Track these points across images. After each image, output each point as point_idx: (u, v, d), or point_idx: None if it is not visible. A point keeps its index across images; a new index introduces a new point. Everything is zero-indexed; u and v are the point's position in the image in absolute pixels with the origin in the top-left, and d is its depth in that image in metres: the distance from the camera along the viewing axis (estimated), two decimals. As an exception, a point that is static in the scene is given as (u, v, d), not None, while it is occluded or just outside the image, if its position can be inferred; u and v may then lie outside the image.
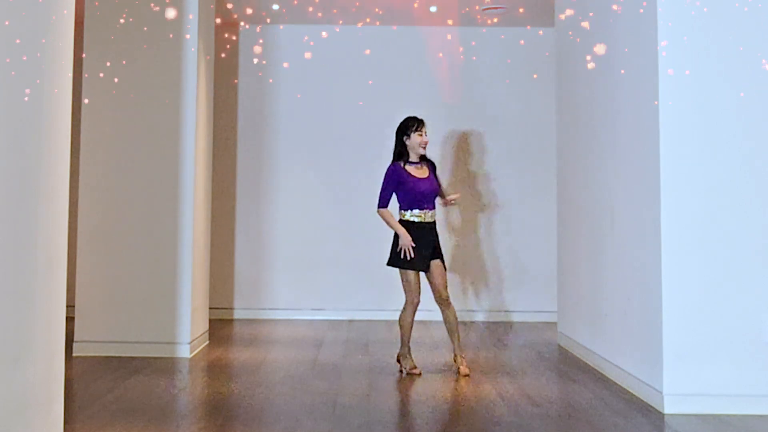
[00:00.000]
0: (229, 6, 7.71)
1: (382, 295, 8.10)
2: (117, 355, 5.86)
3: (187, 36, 6.05)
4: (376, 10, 7.74)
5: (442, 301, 5.42)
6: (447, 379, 5.23)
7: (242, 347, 6.50)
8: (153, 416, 4.18)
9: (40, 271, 3.13)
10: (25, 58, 2.97)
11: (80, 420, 4.04)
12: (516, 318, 8.21)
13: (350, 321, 8.04)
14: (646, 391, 4.61)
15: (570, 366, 5.78)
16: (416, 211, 5.40)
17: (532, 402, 4.59)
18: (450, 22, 8.09)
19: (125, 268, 5.98)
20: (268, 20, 8.26)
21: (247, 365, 5.70)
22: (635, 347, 4.87)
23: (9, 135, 2.85)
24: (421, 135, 5.44)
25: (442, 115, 8.29)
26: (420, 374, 5.35)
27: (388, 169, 5.43)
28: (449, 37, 8.32)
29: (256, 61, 8.41)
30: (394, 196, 5.48)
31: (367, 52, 8.30)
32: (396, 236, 5.40)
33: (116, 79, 6.01)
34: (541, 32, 8.30)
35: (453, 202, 5.75)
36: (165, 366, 5.56)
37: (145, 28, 6.02)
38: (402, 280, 5.39)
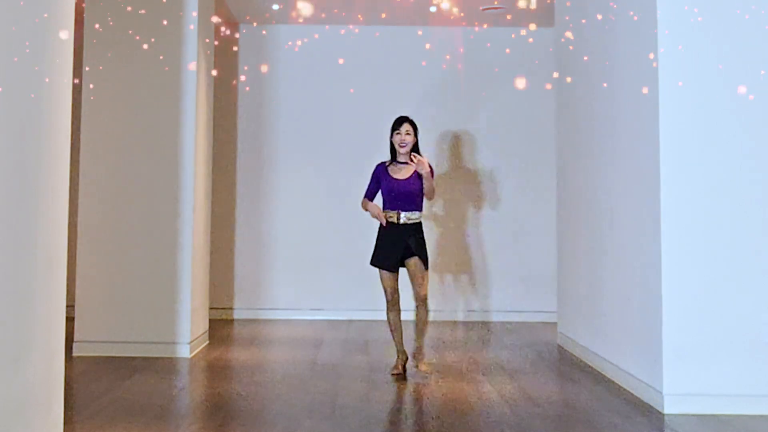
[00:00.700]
0: (230, 6, 7.72)
1: (381, 295, 8.07)
2: (117, 355, 5.86)
3: (187, 36, 6.04)
4: (377, 10, 7.74)
5: (418, 300, 5.36)
6: (447, 379, 5.22)
7: (242, 347, 6.50)
8: (153, 416, 4.18)
9: (40, 271, 3.13)
10: (25, 58, 2.96)
11: (80, 420, 4.04)
12: (516, 318, 8.21)
13: (350, 321, 8.04)
14: (646, 391, 4.61)
15: (570, 366, 5.78)
16: (389, 212, 5.38)
17: (532, 402, 4.59)
18: (450, 22, 8.09)
19: (125, 268, 5.98)
20: (269, 20, 8.26)
21: (247, 365, 5.70)
22: (635, 347, 4.87)
23: (9, 135, 2.84)
24: (399, 134, 5.38)
25: (442, 115, 8.29)
26: (397, 375, 5.29)
27: (375, 167, 5.54)
28: (450, 37, 8.31)
29: (256, 61, 8.41)
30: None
31: (365, 50, 8.30)
32: (377, 236, 5.46)
33: (116, 80, 6.00)
34: (541, 32, 8.29)
35: (416, 165, 5.26)
36: (165, 366, 5.56)
37: (145, 28, 6.02)
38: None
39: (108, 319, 5.94)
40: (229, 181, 8.36)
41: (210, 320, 7.28)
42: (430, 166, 5.37)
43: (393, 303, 5.42)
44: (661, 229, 4.45)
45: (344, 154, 8.37)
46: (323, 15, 7.92)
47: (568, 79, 6.61)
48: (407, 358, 5.45)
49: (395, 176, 5.41)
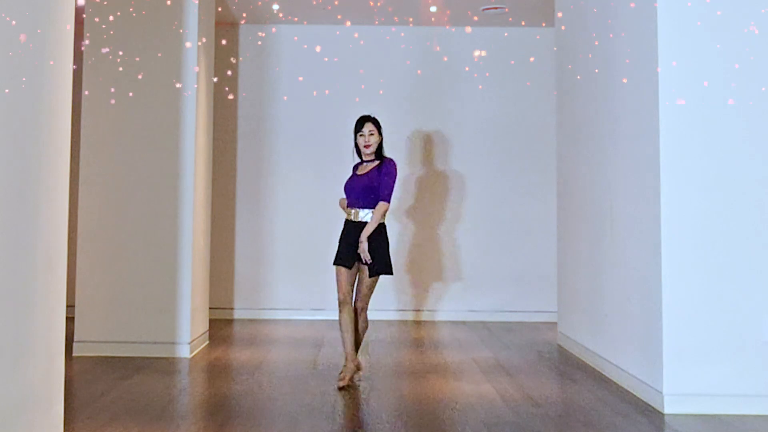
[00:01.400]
0: (230, 6, 7.72)
1: (381, 295, 8.09)
2: (117, 355, 5.86)
3: (188, 35, 6.04)
4: (378, 10, 7.74)
5: (357, 307, 5.10)
6: (447, 380, 5.22)
7: (242, 347, 6.50)
8: (153, 416, 4.18)
9: (39, 272, 3.13)
10: (25, 59, 2.97)
11: (80, 420, 4.04)
12: (516, 318, 8.21)
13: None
14: (646, 391, 4.61)
15: (570, 366, 5.78)
16: (349, 209, 5.16)
17: (532, 402, 4.59)
18: (451, 22, 8.09)
19: (125, 268, 5.98)
20: (269, 20, 8.26)
21: (247, 365, 5.70)
22: (635, 347, 4.87)
23: (9, 135, 2.84)
24: (362, 136, 5.19)
25: (441, 115, 8.29)
26: (342, 387, 4.86)
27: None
28: (450, 37, 8.31)
29: (255, 60, 8.41)
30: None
31: (365, 50, 8.30)
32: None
33: (116, 80, 6.00)
34: (541, 32, 8.29)
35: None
36: (165, 366, 5.56)
37: (145, 28, 6.02)
38: None
39: (108, 319, 5.94)
40: (229, 181, 8.36)
41: (210, 320, 7.28)
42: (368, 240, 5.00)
43: (344, 303, 5.03)
44: (661, 229, 4.45)
45: (344, 154, 8.31)
46: (324, 15, 7.92)
47: (566, 72, 6.62)
48: (358, 369, 5.11)
49: (357, 172, 5.27)
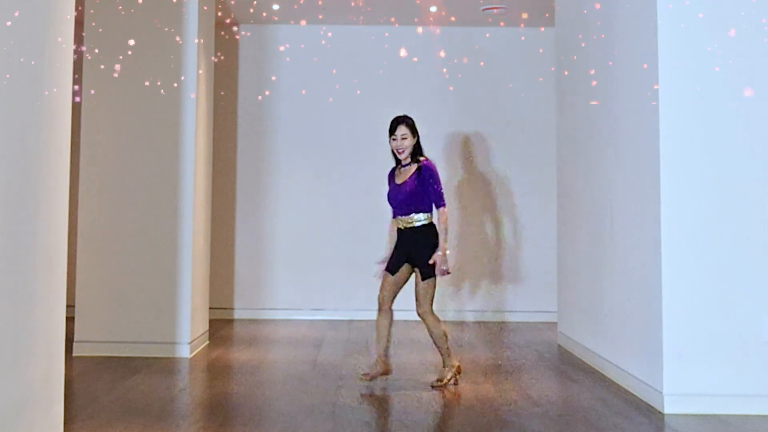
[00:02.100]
0: (230, 5, 7.71)
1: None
2: (117, 355, 5.86)
3: (188, 35, 6.04)
4: (379, 10, 7.74)
5: (418, 314, 5.04)
6: (447, 379, 5.22)
7: (242, 347, 6.50)
8: (153, 416, 4.18)
9: (39, 271, 3.13)
10: (25, 60, 2.97)
11: (80, 420, 4.04)
12: (516, 318, 8.21)
13: (350, 321, 8.04)
14: (646, 391, 4.61)
15: (570, 366, 5.78)
16: (396, 219, 5.10)
17: (532, 402, 4.59)
18: (451, 22, 8.08)
19: (125, 268, 5.98)
20: (269, 20, 8.26)
21: (247, 365, 5.70)
22: (635, 347, 4.87)
23: (9, 135, 2.84)
24: (395, 140, 5.04)
25: (441, 116, 8.29)
26: (366, 378, 4.97)
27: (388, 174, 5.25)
28: (450, 36, 8.31)
29: (255, 60, 8.41)
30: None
31: (365, 50, 8.30)
32: None
33: (116, 80, 6.00)
34: (541, 30, 8.29)
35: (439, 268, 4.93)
36: (165, 366, 5.56)
37: (146, 28, 6.02)
38: None
39: (108, 319, 5.94)
40: (229, 181, 8.36)
41: (210, 320, 7.28)
42: (443, 257, 4.93)
43: (380, 306, 5.05)
44: (661, 229, 4.45)
45: (344, 154, 8.37)
46: (324, 15, 7.92)
47: (566, 73, 6.62)
48: (384, 372, 5.03)
49: (396, 181, 5.12)
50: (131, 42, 6.01)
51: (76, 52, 3.70)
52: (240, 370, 5.54)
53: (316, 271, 8.29)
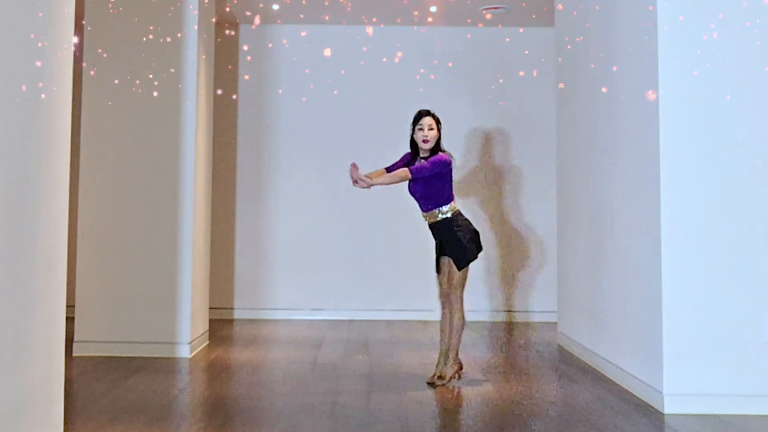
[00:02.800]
0: (229, 5, 7.71)
1: (382, 295, 8.11)
2: (117, 355, 5.86)
3: (187, 36, 6.04)
4: (379, 9, 7.74)
5: (441, 296, 5.11)
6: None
7: (242, 347, 6.50)
8: (153, 416, 4.18)
9: (39, 271, 3.13)
10: (25, 59, 2.97)
11: (80, 420, 4.04)
12: (516, 318, 8.21)
13: (350, 321, 8.04)
14: (646, 391, 4.61)
15: (570, 366, 5.78)
16: (424, 214, 5.11)
17: (533, 402, 4.59)
18: (450, 21, 8.09)
19: (125, 268, 5.98)
20: (269, 20, 8.26)
21: (247, 365, 5.70)
22: (635, 347, 4.87)
23: (9, 135, 2.84)
24: (421, 129, 5.03)
25: (441, 115, 8.26)
26: (435, 385, 4.96)
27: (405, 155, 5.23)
28: (450, 36, 8.31)
29: (256, 61, 8.41)
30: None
31: (365, 50, 8.30)
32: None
33: (116, 80, 6.01)
34: (541, 30, 8.29)
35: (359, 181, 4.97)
36: (165, 366, 5.56)
37: (145, 28, 6.02)
38: None
39: (108, 319, 5.94)
40: (229, 181, 8.36)
41: (210, 320, 7.28)
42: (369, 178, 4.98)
43: (442, 305, 5.12)
44: (661, 229, 4.45)
45: (345, 154, 8.35)
46: (324, 15, 7.92)
47: (561, 85, 6.62)
48: (459, 369, 5.06)
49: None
50: (131, 41, 6.01)
51: (75, 51, 3.69)
52: (240, 370, 5.54)
53: (316, 271, 8.29)
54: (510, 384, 5.09)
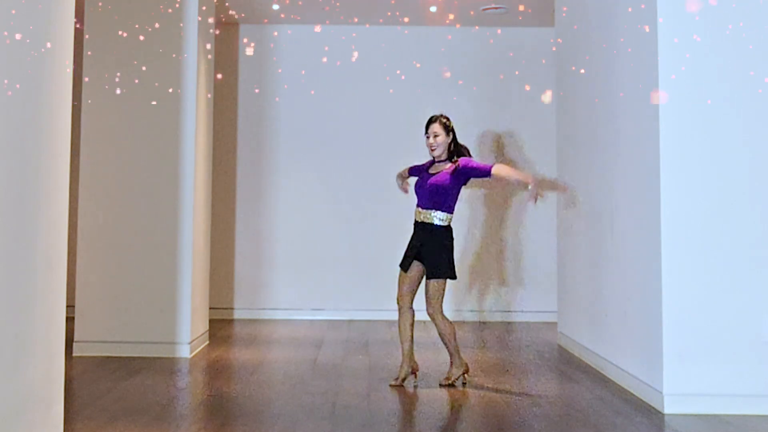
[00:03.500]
0: (229, 6, 7.71)
1: (382, 295, 8.10)
2: (117, 355, 5.86)
3: (187, 35, 6.04)
4: (379, 10, 7.74)
5: (428, 314, 5.03)
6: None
7: (242, 347, 6.50)
8: (153, 416, 4.18)
9: (39, 272, 3.13)
10: (25, 59, 2.97)
11: (80, 420, 4.04)
12: (516, 318, 8.21)
13: (350, 321, 8.04)
14: (646, 391, 4.61)
15: (570, 366, 5.78)
16: (417, 209, 5.11)
17: (532, 402, 4.59)
18: (450, 21, 8.08)
19: (125, 268, 5.98)
20: (269, 20, 8.26)
21: (247, 365, 5.70)
22: (635, 347, 4.87)
23: (9, 135, 2.84)
24: (428, 138, 5.09)
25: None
26: (396, 383, 4.94)
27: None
28: (450, 36, 8.31)
29: (255, 61, 8.41)
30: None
31: (365, 50, 8.30)
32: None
33: (117, 79, 6.01)
34: (541, 30, 8.29)
35: (533, 194, 4.93)
36: (165, 366, 5.56)
37: (145, 28, 6.02)
38: None
39: (108, 319, 5.94)
40: (229, 181, 8.36)
41: (210, 320, 7.28)
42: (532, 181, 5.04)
43: (400, 307, 5.06)
44: (661, 229, 4.45)
45: (344, 154, 8.37)
46: (324, 15, 7.92)
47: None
48: (413, 371, 5.05)
49: (430, 171, 5.11)
50: (131, 41, 6.01)
51: (76, 51, 3.69)
52: (240, 370, 5.54)
53: (316, 271, 8.29)
54: (510, 384, 5.09)
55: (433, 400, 4.66)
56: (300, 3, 7.50)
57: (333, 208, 8.35)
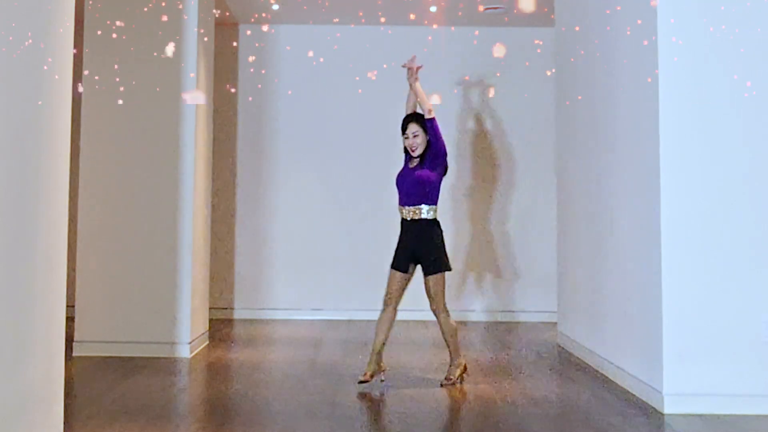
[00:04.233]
0: (230, 6, 7.71)
1: (381, 295, 8.08)
2: (117, 355, 5.86)
3: (187, 36, 6.04)
4: (379, 10, 7.73)
5: (432, 310, 5.04)
6: (447, 379, 5.22)
7: (242, 347, 6.50)
8: (153, 416, 4.18)
9: (39, 271, 3.14)
10: (25, 59, 2.97)
11: (80, 420, 4.04)
12: (516, 318, 8.21)
13: (350, 321, 8.04)
14: (646, 391, 4.61)
15: (570, 366, 5.78)
16: (401, 208, 5.04)
17: (532, 402, 4.59)
18: (451, 21, 8.08)
19: (125, 268, 5.98)
20: (269, 20, 8.26)
21: (246, 365, 5.70)
22: (635, 347, 4.87)
23: (9, 135, 2.85)
24: (407, 138, 5.03)
25: (441, 116, 8.26)
26: (365, 380, 4.82)
27: None
28: (449, 36, 8.31)
29: (255, 61, 8.41)
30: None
31: (365, 50, 8.30)
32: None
33: (117, 79, 6.00)
34: (541, 30, 8.29)
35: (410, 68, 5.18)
36: (165, 366, 5.56)
37: (145, 28, 6.02)
38: None
39: (108, 319, 5.93)
40: (229, 181, 8.36)
41: (210, 320, 7.28)
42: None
43: (385, 304, 5.01)
44: (661, 229, 4.45)
45: (344, 154, 8.37)
46: (324, 15, 7.92)
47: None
48: (379, 370, 4.94)
49: (410, 165, 5.05)
50: (131, 42, 6.00)
51: (75, 52, 3.69)
52: (240, 370, 5.54)
53: (316, 271, 8.29)
54: (510, 384, 5.09)
55: (433, 399, 4.66)
56: (300, 3, 7.49)
57: (333, 208, 8.35)
